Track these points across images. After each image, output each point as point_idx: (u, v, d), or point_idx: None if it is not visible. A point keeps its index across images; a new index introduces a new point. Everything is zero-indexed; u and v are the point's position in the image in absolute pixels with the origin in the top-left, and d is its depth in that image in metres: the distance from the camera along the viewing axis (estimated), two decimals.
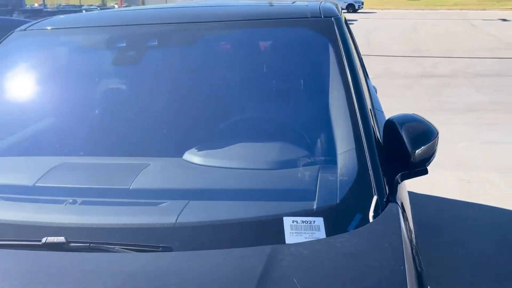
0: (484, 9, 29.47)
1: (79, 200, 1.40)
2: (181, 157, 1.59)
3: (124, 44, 1.92)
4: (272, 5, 2.24)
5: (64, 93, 1.96)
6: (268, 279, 1.04)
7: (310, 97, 1.83)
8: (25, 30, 2.11)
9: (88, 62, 2.08)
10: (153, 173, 1.52)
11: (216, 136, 1.71)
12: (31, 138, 1.82)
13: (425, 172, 1.51)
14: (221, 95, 1.86)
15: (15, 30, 2.16)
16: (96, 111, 1.84)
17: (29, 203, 1.42)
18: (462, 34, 17.66)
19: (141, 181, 1.45)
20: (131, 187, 1.42)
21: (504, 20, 23.49)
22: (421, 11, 30.67)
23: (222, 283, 1.06)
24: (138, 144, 1.71)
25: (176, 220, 1.26)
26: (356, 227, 1.22)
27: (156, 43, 1.86)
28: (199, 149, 1.60)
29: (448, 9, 30.93)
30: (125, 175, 1.50)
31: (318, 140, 1.61)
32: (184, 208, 1.31)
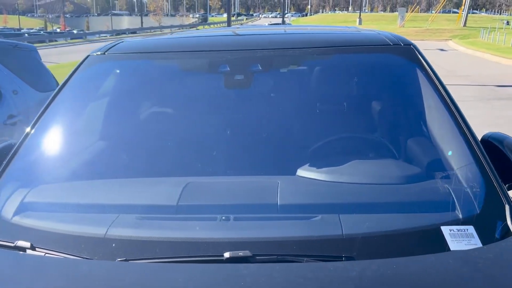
0: (422, 40, 31.42)
1: (232, 216, 1.43)
2: (294, 174, 1.66)
3: (228, 69, 1.98)
4: (348, 33, 2.39)
5: (175, 116, 1.99)
6: (487, 280, 1.15)
7: (410, 116, 1.96)
8: (104, 53, 2.11)
9: (187, 85, 2.11)
10: (288, 189, 1.56)
11: (323, 154, 1.78)
12: (148, 159, 1.82)
13: None
14: (327, 116, 1.96)
15: (90, 54, 2.15)
16: (228, 132, 1.87)
17: (186, 221, 1.44)
18: None
19: (284, 197, 1.51)
20: (279, 203, 1.48)
21: (442, 50, 25.23)
22: None
23: (445, 286, 1.14)
24: (257, 163, 1.76)
25: (342, 231, 1.34)
26: (502, 232, 1.35)
27: (260, 67, 1.93)
28: (318, 167, 1.66)
29: None
30: (267, 192, 1.56)
31: (430, 156, 1.73)
32: (340, 220, 1.39)
